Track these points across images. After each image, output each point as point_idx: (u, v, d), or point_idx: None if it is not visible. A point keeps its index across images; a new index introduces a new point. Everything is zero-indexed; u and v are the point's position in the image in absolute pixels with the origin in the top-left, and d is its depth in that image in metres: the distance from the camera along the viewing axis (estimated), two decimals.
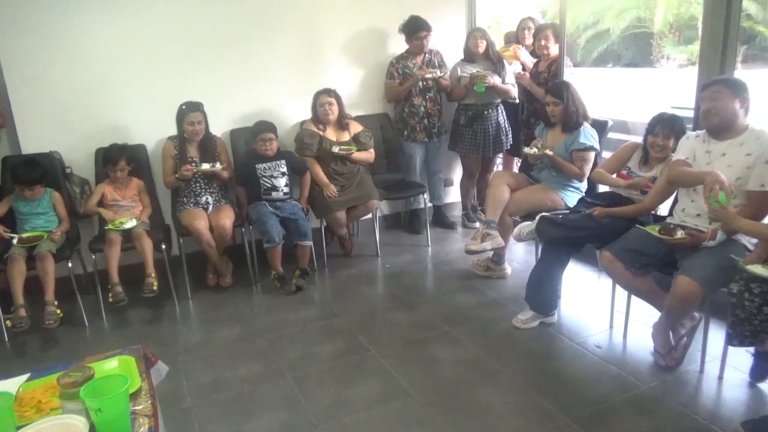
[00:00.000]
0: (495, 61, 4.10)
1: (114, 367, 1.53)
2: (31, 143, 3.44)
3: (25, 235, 3.13)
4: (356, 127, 3.96)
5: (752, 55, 15.32)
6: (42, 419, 1.24)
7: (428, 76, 4.11)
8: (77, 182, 3.51)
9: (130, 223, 3.30)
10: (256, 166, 3.68)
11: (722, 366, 2.48)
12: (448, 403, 2.41)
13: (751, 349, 2.38)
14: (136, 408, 1.34)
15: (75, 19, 3.44)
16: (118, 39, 3.57)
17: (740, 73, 2.75)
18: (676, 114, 2.88)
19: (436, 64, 4.28)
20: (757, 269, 2.08)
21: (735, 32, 2.80)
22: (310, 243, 3.66)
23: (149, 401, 1.37)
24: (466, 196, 4.64)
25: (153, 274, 3.28)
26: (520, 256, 3.97)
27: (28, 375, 1.53)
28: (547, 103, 3.33)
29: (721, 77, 2.56)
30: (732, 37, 2.80)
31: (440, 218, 4.66)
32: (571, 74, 3.96)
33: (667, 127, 2.78)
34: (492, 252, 3.55)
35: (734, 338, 2.17)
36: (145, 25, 3.62)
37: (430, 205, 4.56)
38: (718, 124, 2.44)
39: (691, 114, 3.03)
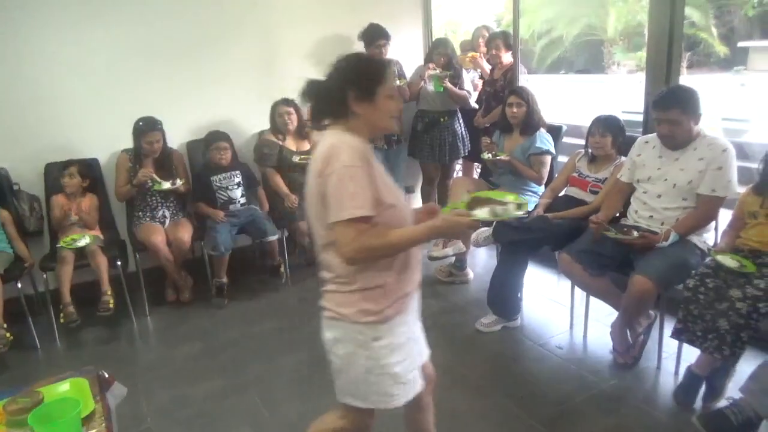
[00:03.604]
0: (455, 75, 4.15)
1: (65, 390, 1.47)
2: None
3: None
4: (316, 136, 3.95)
5: (697, 60, 15.98)
6: None
7: None
8: (26, 199, 3.38)
9: (84, 241, 3.18)
10: (212, 178, 3.62)
11: (678, 362, 2.55)
12: None
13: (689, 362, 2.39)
14: None
15: (21, 29, 3.33)
16: (68, 50, 3.46)
17: (685, 78, 2.85)
18: (612, 115, 3.00)
19: (396, 73, 4.30)
20: (726, 260, 2.17)
21: (679, 39, 2.90)
22: (274, 237, 3.63)
23: (103, 424, 1.33)
24: (427, 201, 4.67)
25: (109, 292, 3.18)
26: (482, 261, 4.02)
27: None
28: (510, 104, 3.36)
29: (675, 93, 2.47)
30: (676, 43, 2.90)
31: None
32: (525, 81, 4.04)
33: (601, 126, 2.95)
34: (454, 257, 3.58)
35: (683, 333, 2.23)
36: (95, 35, 3.52)
37: None
38: (674, 147, 2.53)
39: (641, 118, 3.13)
